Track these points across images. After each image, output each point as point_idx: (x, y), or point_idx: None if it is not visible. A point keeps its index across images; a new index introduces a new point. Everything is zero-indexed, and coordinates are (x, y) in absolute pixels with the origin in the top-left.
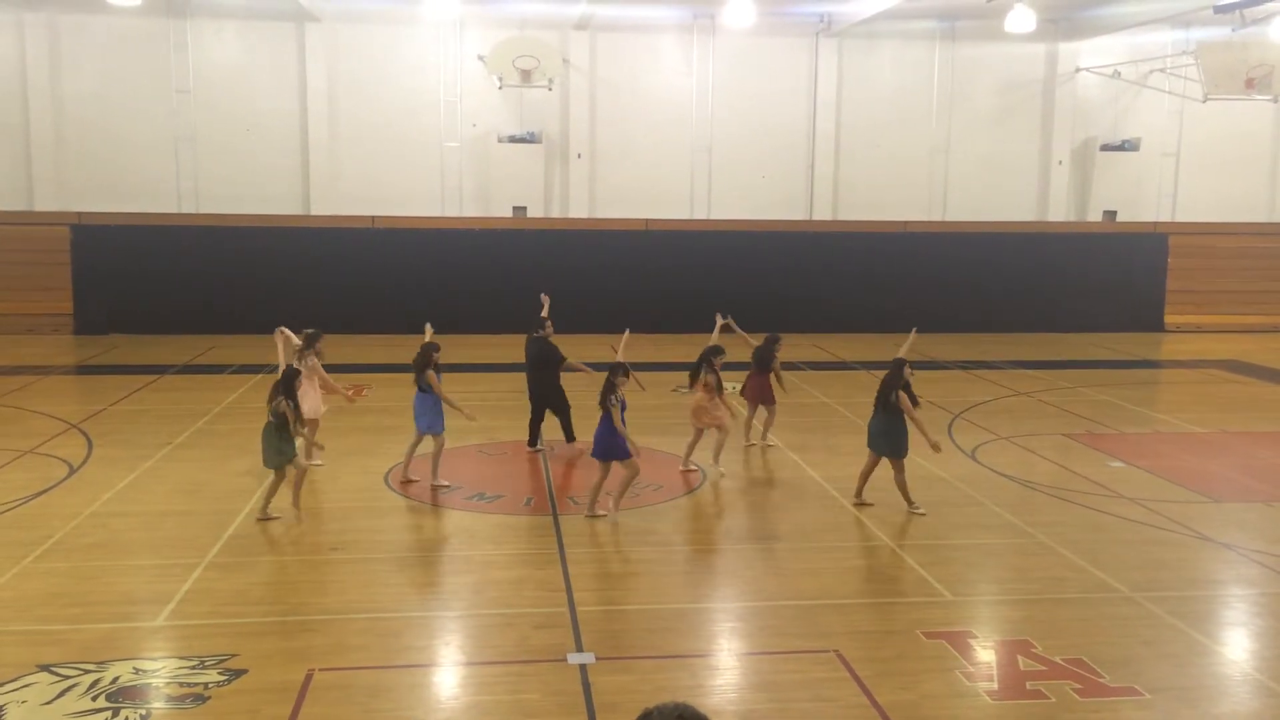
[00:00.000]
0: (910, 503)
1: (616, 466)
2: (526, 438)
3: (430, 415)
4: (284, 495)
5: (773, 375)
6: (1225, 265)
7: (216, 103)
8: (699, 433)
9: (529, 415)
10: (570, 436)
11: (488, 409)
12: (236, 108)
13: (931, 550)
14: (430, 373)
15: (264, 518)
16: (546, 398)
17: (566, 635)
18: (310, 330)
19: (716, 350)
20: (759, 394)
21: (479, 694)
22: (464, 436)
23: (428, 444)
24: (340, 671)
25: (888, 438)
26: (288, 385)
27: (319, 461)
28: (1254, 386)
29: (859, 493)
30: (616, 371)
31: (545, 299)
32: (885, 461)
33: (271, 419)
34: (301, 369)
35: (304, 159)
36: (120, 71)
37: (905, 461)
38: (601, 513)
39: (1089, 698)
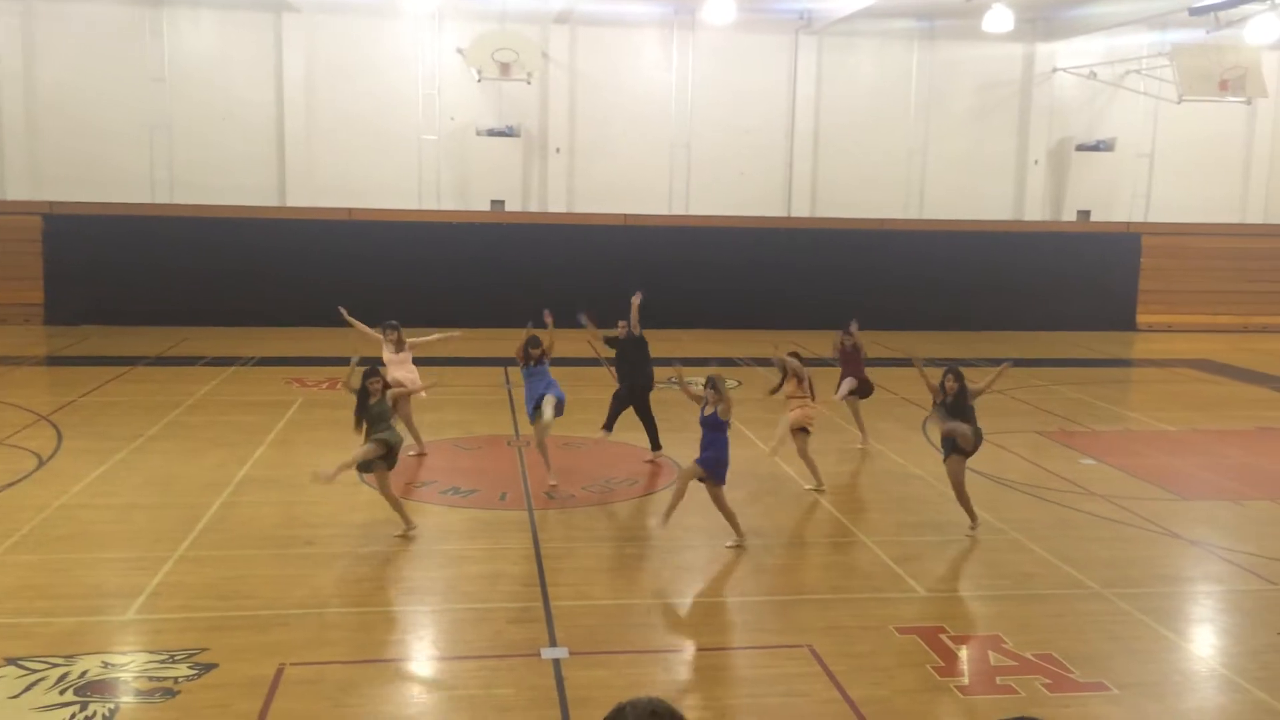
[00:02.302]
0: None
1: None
2: (510, 433)
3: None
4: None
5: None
6: (1197, 266)
7: (192, 92)
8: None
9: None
10: (656, 444)
11: (463, 404)
12: (212, 97)
13: (905, 546)
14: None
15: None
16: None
17: (540, 630)
18: (392, 322)
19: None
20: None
21: (452, 689)
22: (439, 431)
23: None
24: (312, 666)
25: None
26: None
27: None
28: (1224, 386)
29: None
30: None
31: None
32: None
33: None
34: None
35: (280, 150)
36: (95, 59)
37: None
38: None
39: (1058, 693)
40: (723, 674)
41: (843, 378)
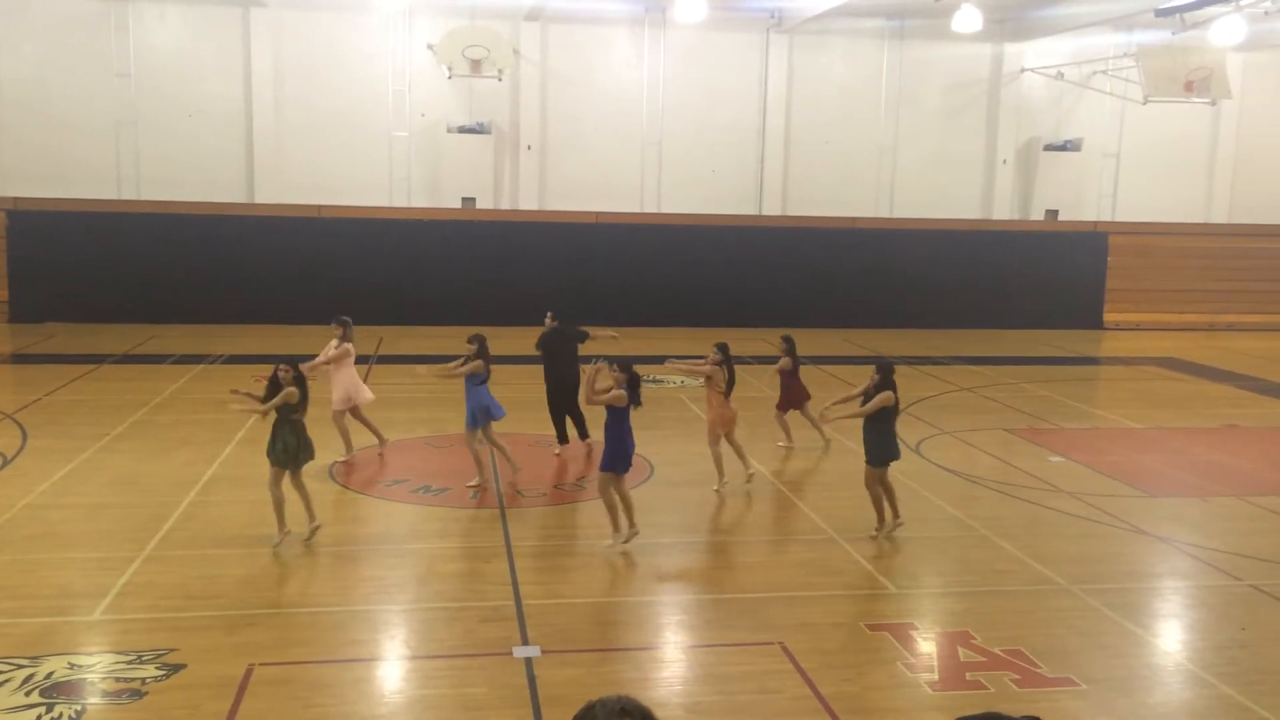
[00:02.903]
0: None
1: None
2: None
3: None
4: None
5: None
6: (1163, 265)
7: (159, 87)
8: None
9: (550, 413)
10: (584, 433)
11: (433, 401)
12: (179, 92)
13: (875, 544)
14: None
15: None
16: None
17: (512, 628)
18: (343, 318)
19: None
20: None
21: (423, 688)
22: (411, 429)
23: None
24: (281, 666)
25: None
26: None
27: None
28: (1189, 383)
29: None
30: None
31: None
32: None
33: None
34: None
35: (248, 146)
36: (59, 54)
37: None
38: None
39: (1026, 688)
40: (694, 671)
41: (785, 393)
